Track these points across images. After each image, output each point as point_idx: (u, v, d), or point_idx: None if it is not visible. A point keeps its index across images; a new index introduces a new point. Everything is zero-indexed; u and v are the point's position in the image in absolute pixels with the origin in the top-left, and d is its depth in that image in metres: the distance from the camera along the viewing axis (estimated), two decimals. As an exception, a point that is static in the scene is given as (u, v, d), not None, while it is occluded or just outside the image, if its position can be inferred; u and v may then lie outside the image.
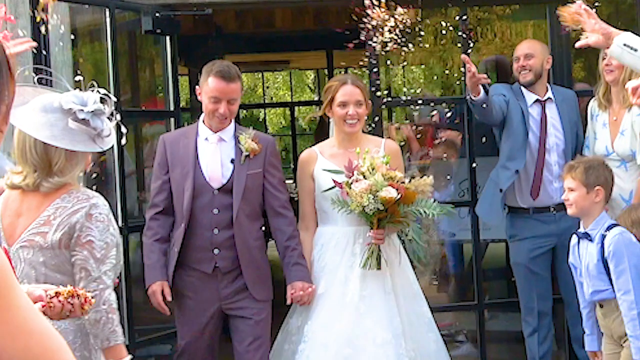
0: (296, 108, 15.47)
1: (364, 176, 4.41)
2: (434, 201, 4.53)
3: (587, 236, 4.33)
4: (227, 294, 4.52)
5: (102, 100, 3.27)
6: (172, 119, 5.71)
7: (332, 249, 4.64)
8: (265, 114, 15.85)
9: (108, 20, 5.20)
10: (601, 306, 4.33)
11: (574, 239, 4.46)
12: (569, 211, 4.39)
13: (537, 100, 5.31)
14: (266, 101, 16.08)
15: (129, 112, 5.61)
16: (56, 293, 2.60)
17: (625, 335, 4.22)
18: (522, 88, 5.33)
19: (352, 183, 4.42)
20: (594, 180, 4.31)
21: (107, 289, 3.21)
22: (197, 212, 4.47)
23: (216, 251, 4.49)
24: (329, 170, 4.62)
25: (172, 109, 5.72)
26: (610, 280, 4.25)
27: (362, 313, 4.48)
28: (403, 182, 4.46)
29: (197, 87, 4.57)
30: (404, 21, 4.93)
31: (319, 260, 4.66)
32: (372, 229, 4.50)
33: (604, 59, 5.06)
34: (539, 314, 5.27)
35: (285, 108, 16.33)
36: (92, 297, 2.73)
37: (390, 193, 4.34)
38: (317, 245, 4.70)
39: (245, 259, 4.49)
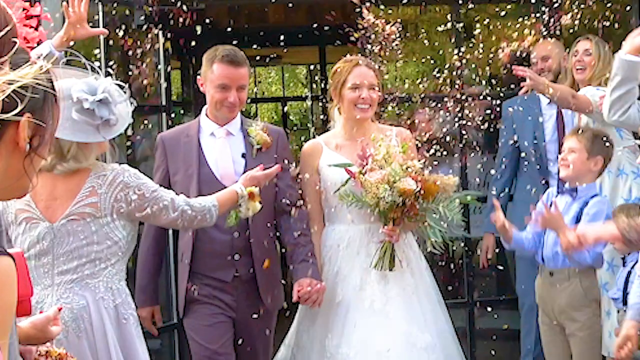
0: (288, 103, 15.44)
1: (380, 166, 3.98)
2: (459, 203, 4.10)
3: (572, 191, 4.31)
4: (245, 306, 4.08)
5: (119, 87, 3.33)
6: (164, 114, 5.72)
7: (343, 251, 4.17)
8: (257, 108, 15.83)
9: (101, 14, 5.19)
10: (551, 274, 4.31)
11: (553, 195, 4.44)
12: (564, 173, 4.36)
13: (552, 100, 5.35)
14: (257, 96, 16.08)
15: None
16: (47, 352, 2.55)
17: (573, 321, 4.26)
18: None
19: (366, 172, 3.98)
20: (598, 149, 4.31)
21: (175, 203, 3.51)
22: None
23: (237, 257, 4.04)
24: (335, 165, 4.16)
25: (164, 103, 5.72)
26: None
27: (392, 317, 4.03)
28: (422, 174, 4.00)
29: (198, 77, 4.15)
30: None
31: (330, 264, 4.19)
32: (385, 225, 4.05)
33: (574, 55, 5.11)
34: (537, 310, 5.28)
35: (277, 103, 16.28)
36: None
37: (409, 184, 3.90)
38: (325, 246, 4.23)
39: (259, 263, 4.06)
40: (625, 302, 4.47)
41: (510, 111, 5.40)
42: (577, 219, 4.29)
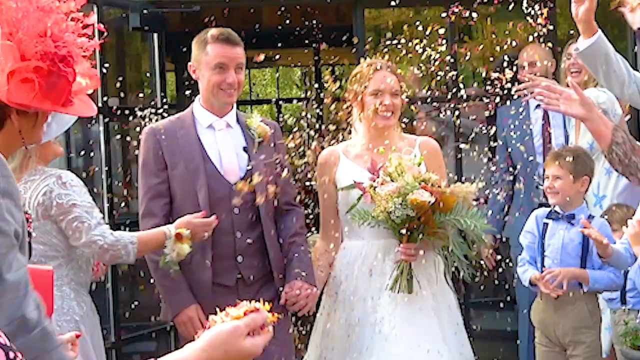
0: (282, 105, 15.45)
1: (392, 178, 3.71)
2: (478, 210, 3.81)
3: (570, 218, 4.30)
4: None
5: None
6: (159, 116, 5.71)
7: (358, 269, 3.89)
8: (251, 110, 15.89)
9: (95, 16, 5.19)
10: (556, 297, 4.25)
11: (541, 218, 4.41)
12: (553, 200, 4.33)
13: (539, 105, 5.36)
14: (252, 98, 16.10)
15: (116, 108, 5.60)
16: None
17: (579, 341, 4.23)
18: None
19: (377, 186, 3.71)
20: (581, 169, 4.29)
21: (90, 230, 3.32)
22: (213, 215, 3.68)
23: (239, 259, 3.77)
24: (345, 188, 3.88)
25: (159, 105, 5.72)
26: (582, 266, 4.25)
27: (396, 342, 3.70)
28: (439, 186, 3.69)
29: (189, 64, 3.85)
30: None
31: (347, 283, 3.91)
32: (401, 242, 3.75)
33: (568, 58, 5.10)
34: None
35: (271, 105, 16.29)
36: None
37: (422, 196, 3.58)
38: (341, 263, 3.96)
39: (278, 264, 3.83)
40: (624, 302, 4.48)
41: (503, 116, 5.42)
42: (583, 244, 4.27)
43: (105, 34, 2.13)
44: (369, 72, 3.93)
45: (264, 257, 3.83)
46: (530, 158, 5.31)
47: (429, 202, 3.60)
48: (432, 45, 4.48)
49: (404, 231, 3.69)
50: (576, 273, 4.22)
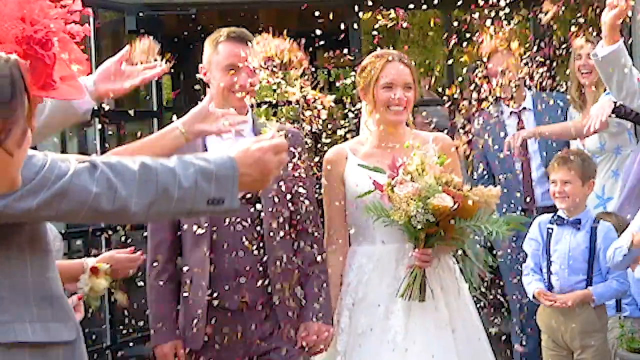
0: (278, 107, 15.46)
1: (412, 178, 3.40)
2: (499, 216, 3.51)
3: (576, 223, 4.31)
4: (258, 337, 3.45)
5: None
6: (155, 119, 5.71)
7: (369, 274, 3.61)
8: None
9: (91, 20, 5.18)
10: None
11: (545, 224, 4.40)
12: (563, 204, 4.32)
13: (512, 112, 5.38)
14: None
15: (112, 112, 5.60)
16: None
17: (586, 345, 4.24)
18: (502, 101, 5.40)
19: (395, 185, 3.40)
20: (589, 172, 4.32)
21: None
22: (215, 230, 3.39)
23: (242, 280, 3.40)
24: (363, 166, 3.59)
25: (155, 109, 5.72)
26: (589, 271, 4.26)
27: (408, 354, 3.46)
28: (461, 190, 3.39)
29: (200, 65, 3.55)
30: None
31: (356, 290, 3.64)
32: (416, 247, 3.47)
33: (578, 59, 5.10)
34: (528, 310, 5.27)
35: (267, 107, 16.30)
36: None
37: (444, 201, 3.30)
38: (351, 269, 3.66)
39: (282, 297, 3.45)
40: (619, 309, 4.48)
41: (478, 124, 5.42)
42: (590, 248, 4.28)
43: (94, 18, 2.11)
44: (380, 64, 3.63)
45: (269, 279, 3.46)
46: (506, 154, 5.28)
47: (451, 207, 3.32)
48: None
49: (422, 236, 3.43)
50: (579, 297, 4.22)
